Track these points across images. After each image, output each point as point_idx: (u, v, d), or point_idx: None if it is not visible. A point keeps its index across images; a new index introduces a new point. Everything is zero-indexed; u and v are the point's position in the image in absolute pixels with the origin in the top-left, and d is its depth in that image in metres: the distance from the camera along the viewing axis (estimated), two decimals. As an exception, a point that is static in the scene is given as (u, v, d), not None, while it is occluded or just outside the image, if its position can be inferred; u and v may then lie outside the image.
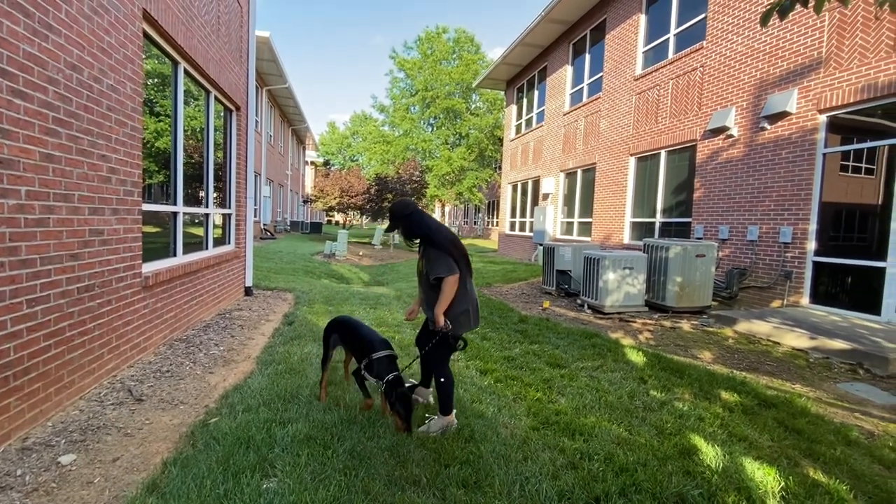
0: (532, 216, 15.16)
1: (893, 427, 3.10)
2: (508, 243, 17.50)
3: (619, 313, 6.45)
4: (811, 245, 6.29)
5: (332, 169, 41.86)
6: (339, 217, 32.10)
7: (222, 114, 5.94)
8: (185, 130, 4.70)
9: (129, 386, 3.18)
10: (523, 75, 16.44)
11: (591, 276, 6.71)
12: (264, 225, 19.39)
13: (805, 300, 6.34)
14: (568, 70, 13.32)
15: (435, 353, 2.77)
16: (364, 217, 28.75)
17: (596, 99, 11.69)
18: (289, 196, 27.62)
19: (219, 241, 5.93)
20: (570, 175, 13.20)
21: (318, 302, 6.58)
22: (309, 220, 27.63)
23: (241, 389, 3.21)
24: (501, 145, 23.36)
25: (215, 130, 5.59)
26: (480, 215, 37.25)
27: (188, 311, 4.68)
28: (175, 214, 4.48)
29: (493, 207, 32.54)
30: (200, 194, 5.33)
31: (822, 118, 6.22)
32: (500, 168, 25.11)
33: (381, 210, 21.25)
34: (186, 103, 4.83)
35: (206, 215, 5.42)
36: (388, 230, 2.94)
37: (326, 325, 3.25)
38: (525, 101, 16.71)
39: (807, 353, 4.72)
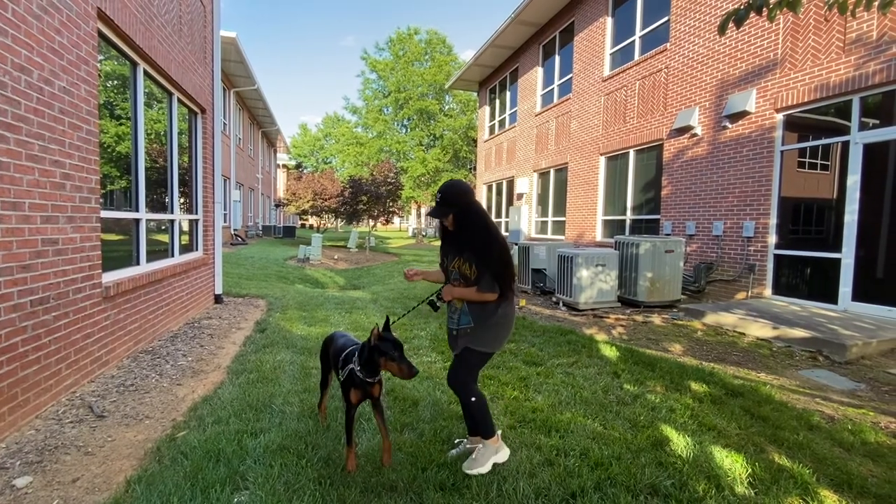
0: (507, 216, 15.29)
1: (852, 411, 3.25)
2: (484, 243, 17.55)
3: (592, 310, 6.56)
4: (772, 239, 6.56)
5: (305, 172, 41.20)
6: (312, 220, 31.58)
7: (187, 116, 5.75)
8: (147, 134, 4.53)
9: (89, 402, 3.03)
10: (495, 77, 16.58)
11: (566, 273, 6.81)
12: (235, 230, 18.90)
13: (768, 291, 6.60)
14: (539, 71, 13.50)
15: (458, 368, 2.36)
16: (339, 220, 28.36)
17: (566, 100, 11.89)
18: (260, 200, 27.03)
19: (186, 248, 5.74)
20: (544, 175, 13.38)
21: (291, 308, 6.45)
22: (282, 225, 27.11)
23: (211, 401, 3.11)
24: (475, 146, 23.49)
25: (180, 134, 5.41)
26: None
27: (154, 321, 4.51)
28: (137, 221, 4.31)
29: (468, 208, 32.57)
30: (165, 200, 5.14)
31: (780, 117, 6.50)
32: (474, 169, 25.25)
33: (355, 212, 21.00)
34: (148, 106, 4.66)
35: (172, 221, 5.23)
36: (433, 215, 2.34)
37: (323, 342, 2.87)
38: (498, 102, 16.86)
39: (770, 343, 4.91)
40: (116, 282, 3.71)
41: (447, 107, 30.12)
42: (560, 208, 12.40)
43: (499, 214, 16.58)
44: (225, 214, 17.67)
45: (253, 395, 3.18)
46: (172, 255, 5.23)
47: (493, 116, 17.35)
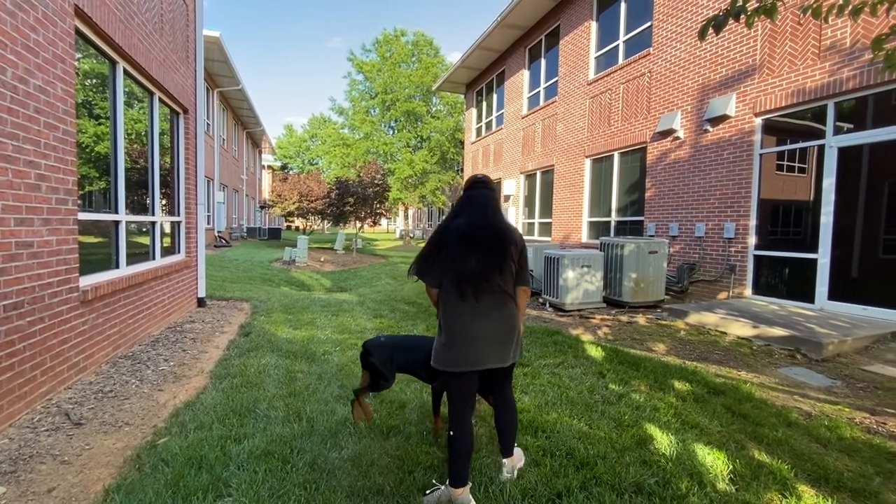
0: (494, 218, 15.32)
1: (828, 407, 3.34)
2: (472, 245, 17.60)
3: (578, 310, 6.62)
4: (752, 240, 6.71)
5: (291, 173, 40.80)
6: (298, 222, 31.29)
7: (169, 116, 5.65)
8: (128, 134, 4.44)
9: (66, 409, 2.95)
10: (482, 79, 16.65)
11: (552, 275, 6.86)
12: (218, 232, 18.62)
13: (748, 291, 6.75)
14: (525, 74, 13.60)
15: (447, 392, 2.18)
16: (325, 222, 28.14)
17: (552, 103, 11.99)
18: (245, 202, 26.68)
19: (168, 251, 5.63)
20: (530, 177, 13.47)
21: (276, 311, 6.37)
22: (267, 227, 26.79)
23: (194, 406, 3.05)
24: (463, 148, 23.55)
25: (161, 134, 5.31)
26: (444, 218, 37.30)
27: (134, 325, 4.41)
28: (117, 223, 4.21)
29: (456, 210, 32.61)
30: (146, 201, 5.04)
31: (758, 121, 6.66)
32: (462, 170, 25.30)
33: (342, 214, 20.84)
34: (129, 105, 4.57)
35: (153, 223, 5.13)
36: None
37: (374, 347, 2.76)
38: (484, 104, 16.92)
39: (751, 341, 5.01)
40: (95, 285, 3.62)
41: (434, 108, 30.12)
42: (546, 210, 12.49)
43: (486, 216, 16.61)
44: (208, 216, 17.39)
45: (237, 400, 3.13)
46: (154, 258, 5.12)
47: (479, 118, 17.41)
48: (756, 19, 2.36)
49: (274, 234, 25.34)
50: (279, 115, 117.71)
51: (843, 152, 5.71)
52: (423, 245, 2.16)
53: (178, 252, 5.97)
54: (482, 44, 14.07)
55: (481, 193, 2.21)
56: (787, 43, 6.21)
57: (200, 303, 6.44)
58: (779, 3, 2.37)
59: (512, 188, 14.08)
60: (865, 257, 5.56)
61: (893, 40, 2.29)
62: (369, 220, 21.04)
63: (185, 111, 5.97)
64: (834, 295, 5.78)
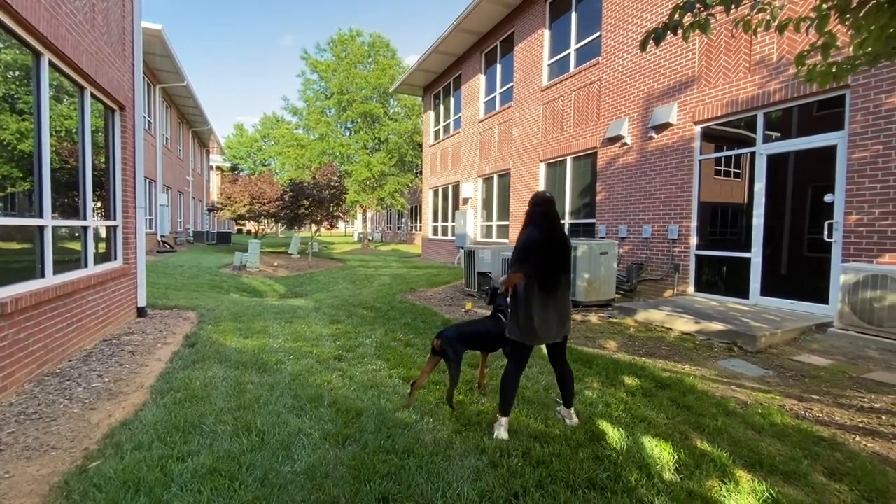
0: (453, 220, 15.43)
1: (762, 396, 3.58)
2: (431, 247, 17.64)
3: (535, 311, 6.75)
4: (693, 240, 7.12)
5: (241, 174, 39.19)
6: (250, 226, 30.10)
7: (103, 113, 5.26)
8: (56, 131, 4.09)
9: (-19, 435, 2.66)
10: (439, 82, 16.72)
11: (509, 276, 6.95)
12: (162, 237, 17.57)
13: (691, 289, 7.15)
14: (481, 79, 13.79)
15: (516, 354, 2.99)
16: (279, 225, 27.22)
17: (508, 108, 12.23)
18: (191, 204, 25.35)
19: (103, 257, 5.23)
20: (488, 180, 13.65)
21: (225, 319, 6.07)
22: (216, 230, 25.59)
23: (131, 425, 2.84)
24: (421, 150, 23.53)
25: (94, 132, 4.93)
26: (404, 220, 37.16)
27: (63, 339, 4.06)
28: (42, 229, 3.86)
29: (415, 212, 32.63)
30: (77, 204, 4.66)
31: (697, 129, 7.09)
32: (420, 173, 25.27)
33: (296, 217, 20.20)
34: (57, 101, 4.21)
35: (85, 228, 4.75)
36: None
37: (448, 338, 3.20)
38: (442, 107, 17.01)
39: (693, 336, 5.31)
40: (15, 297, 3.29)
41: (392, 110, 29.94)
42: (504, 212, 12.70)
43: (445, 219, 16.70)
44: (150, 220, 16.38)
45: (180, 416, 2.94)
46: (85, 266, 4.74)
47: (437, 121, 17.48)
48: (692, 33, 2.50)
49: (223, 238, 24.25)
50: (229, 115, 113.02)
51: (772, 159, 6.18)
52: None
53: (115, 259, 5.56)
54: (439, 47, 14.14)
55: (551, 210, 3.01)
56: (721, 57, 6.66)
57: (141, 313, 6.03)
58: (712, 20, 2.53)
59: (470, 191, 14.22)
60: (793, 255, 6.04)
61: (813, 56, 2.50)
62: (326, 222, 20.53)
63: (122, 107, 5.58)
64: (766, 291, 6.24)
